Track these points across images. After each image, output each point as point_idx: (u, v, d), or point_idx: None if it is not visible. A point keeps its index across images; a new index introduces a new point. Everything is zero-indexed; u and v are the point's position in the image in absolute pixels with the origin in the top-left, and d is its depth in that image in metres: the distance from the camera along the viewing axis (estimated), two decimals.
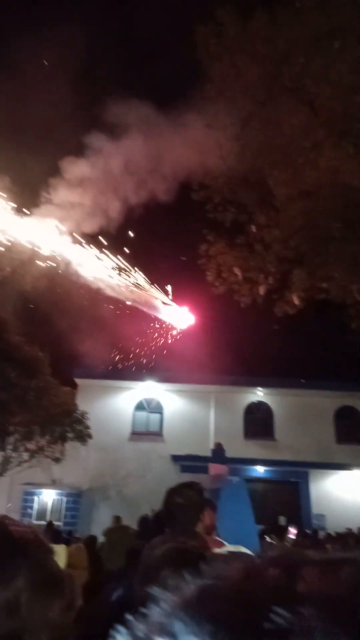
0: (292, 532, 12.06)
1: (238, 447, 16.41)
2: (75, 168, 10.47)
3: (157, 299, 15.21)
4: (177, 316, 16.59)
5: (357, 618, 0.25)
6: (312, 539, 12.07)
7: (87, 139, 10.71)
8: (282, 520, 14.21)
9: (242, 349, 19.81)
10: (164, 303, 15.50)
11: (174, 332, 17.25)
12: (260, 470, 16.60)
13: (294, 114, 9.51)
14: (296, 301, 11.17)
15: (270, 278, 11.22)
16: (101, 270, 13.42)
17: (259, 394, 18.70)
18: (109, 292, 13.37)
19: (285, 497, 16.61)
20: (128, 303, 14.34)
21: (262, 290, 11.42)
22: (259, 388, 18.58)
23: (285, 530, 11.83)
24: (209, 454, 15.05)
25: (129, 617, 0.31)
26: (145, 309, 14.85)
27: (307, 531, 13.56)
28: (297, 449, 17.07)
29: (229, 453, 14.87)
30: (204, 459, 14.62)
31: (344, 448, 17.38)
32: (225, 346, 19.44)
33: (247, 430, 18.22)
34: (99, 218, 11.41)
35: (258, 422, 18.41)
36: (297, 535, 11.92)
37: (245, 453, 16.46)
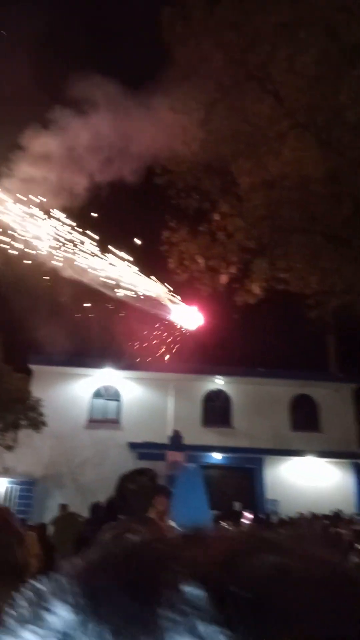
0: (248, 517, 12.33)
1: (196, 434, 16.58)
2: (35, 143, 10.07)
3: (125, 284, 14.91)
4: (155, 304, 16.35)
5: (220, 585, 0.28)
6: (265, 524, 12.39)
7: (47, 114, 10.31)
8: (236, 505, 14.50)
9: (202, 338, 19.90)
10: (134, 290, 15.24)
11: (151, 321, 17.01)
12: (217, 457, 16.85)
13: (259, 103, 9.50)
14: (257, 291, 11.30)
15: (232, 267, 11.29)
16: (62, 249, 13.01)
17: (218, 383, 18.92)
18: (70, 273, 12.97)
19: (241, 483, 16.97)
20: (90, 285, 13.97)
21: (223, 279, 11.48)
22: (218, 376, 18.80)
23: (239, 516, 12.07)
24: (166, 441, 15.13)
25: (30, 583, 0.32)
26: (106, 292, 14.54)
27: (261, 516, 13.92)
28: (253, 436, 17.43)
29: (187, 440, 15.00)
30: (162, 447, 14.69)
31: (298, 435, 17.91)
32: (185, 334, 19.48)
33: (205, 418, 18.42)
34: (58, 195, 11.06)
35: (217, 410, 18.65)
36: (252, 520, 12.21)
37: (203, 440, 16.66)
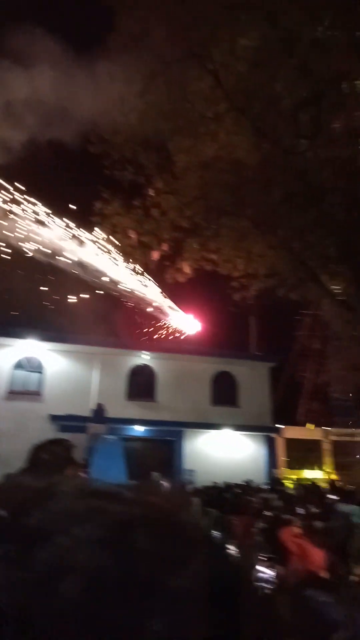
0: (165, 486, 12.81)
1: (120, 407, 16.75)
2: None
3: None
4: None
5: None
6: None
7: None
8: (155, 475, 14.96)
9: (130, 313, 19.93)
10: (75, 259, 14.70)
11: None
12: (139, 429, 17.19)
13: (199, 81, 9.45)
14: (187, 270, 11.49)
15: (163, 245, 11.34)
16: None
17: (144, 358, 19.13)
18: None
19: (161, 454, 17.49)
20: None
21: (155, 255, 11.52)
22: (145, 352, 19.00)
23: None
24: (90, 414, 15.13)
25: None
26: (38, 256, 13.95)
27: (177, 485, 14.52)
28: (175, 409, 17.97)
29: (111, 413, 15.09)
30: (84, 419, 14.67)
31: (217, 409, 18.75)
32: (113, 309, 19.39)
33: (130, 391, 18.61)
34: None
35: (141, 384, 18.89)
36: None
37: (127, 414, 16.89)
